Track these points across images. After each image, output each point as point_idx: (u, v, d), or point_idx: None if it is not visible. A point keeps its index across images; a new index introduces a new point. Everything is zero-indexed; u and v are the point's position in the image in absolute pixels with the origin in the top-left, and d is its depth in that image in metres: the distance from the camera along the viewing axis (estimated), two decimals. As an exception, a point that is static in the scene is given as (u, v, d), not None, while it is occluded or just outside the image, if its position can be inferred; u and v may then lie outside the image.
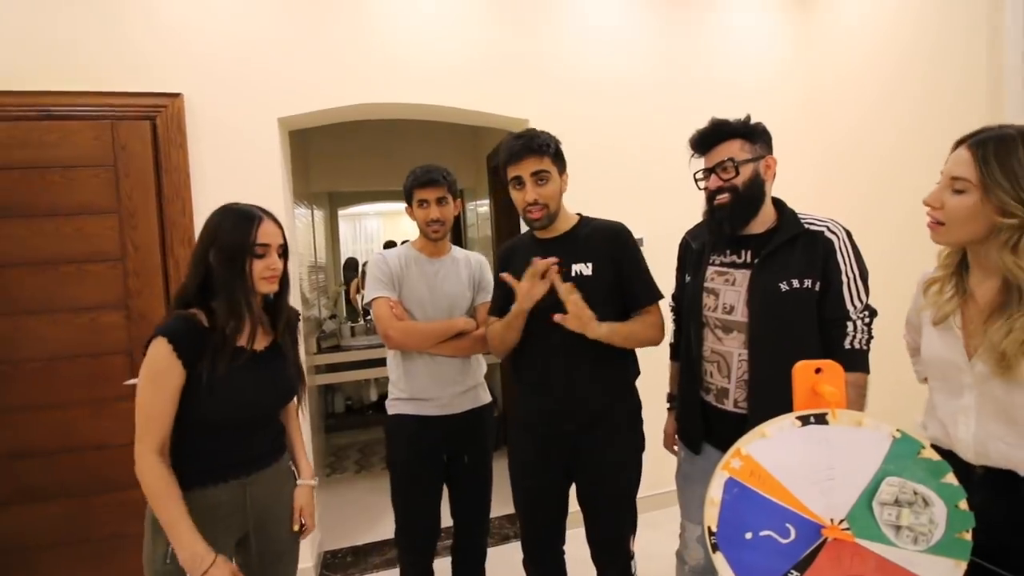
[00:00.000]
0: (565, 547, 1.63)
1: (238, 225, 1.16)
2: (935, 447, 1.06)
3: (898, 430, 0.75)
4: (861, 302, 1.23)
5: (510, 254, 1.58)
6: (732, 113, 1.34)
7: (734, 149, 1.28)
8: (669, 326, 1.55)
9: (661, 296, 1.51)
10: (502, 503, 2.88)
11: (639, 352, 1.55)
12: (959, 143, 0.97)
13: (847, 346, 1.21)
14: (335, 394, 4.30)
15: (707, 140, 1.32)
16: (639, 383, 1.59)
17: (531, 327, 1.46)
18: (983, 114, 1.98)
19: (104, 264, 1.98)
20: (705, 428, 1.37)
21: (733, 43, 2.80)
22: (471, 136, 4.32)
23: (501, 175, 1.50)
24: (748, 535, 0.78)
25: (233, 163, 2.14)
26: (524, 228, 1.62)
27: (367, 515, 2.83)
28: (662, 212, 2.49)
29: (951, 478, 0.75)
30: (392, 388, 1.78)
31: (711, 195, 1.32)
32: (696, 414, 1.38)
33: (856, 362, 1.20)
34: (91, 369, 1.97)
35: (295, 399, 1.34)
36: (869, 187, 2.54)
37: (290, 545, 1.32)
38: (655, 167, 2.63)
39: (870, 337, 1.23)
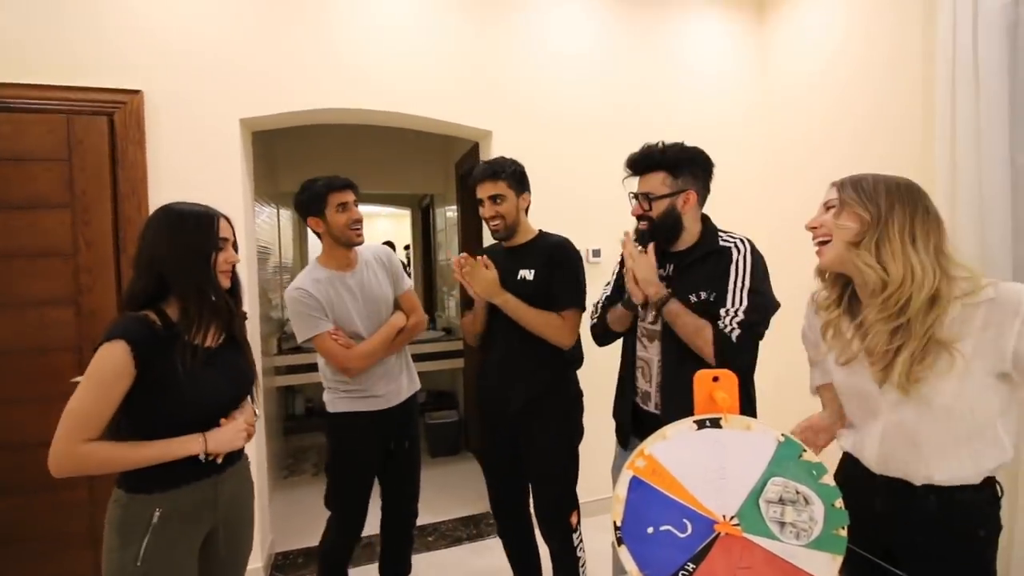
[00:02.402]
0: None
1: (201, 224, 1.19)
2: (848, 454, 1.16)
3: (783, 434, 0.83)
4: (737, 304, 1.30)
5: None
6: (686, 132, 1.44)
7: (655, 183, 1.40)
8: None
9: (578, 305, 1.70)
10: (457, 506, 2.94)
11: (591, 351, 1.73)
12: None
13: (715, 327, 1.29)
14: (296, 396, 4.27)
15: (636, 166, 1.43)
16: (592, 379, 1.80)
17: (491, 320, 1.75)
18: (917, 139, 2.13)
19: (55, 259, 1.96)
20: (635, 426, 1.48)
21: (693, 66, 2.91)
22: (441, 143, 4.35)
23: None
24: (650, 530, 0.84)
25: (193, 162, 2.14)
26: (487, 233, 1.83)
27: (321, 518, 2.83)
28: (619, 224, 2.57)
29: (828, 479, 0.82)
30: (335, 386, 1.81)
31: (635, 217, 1.44)
32: (627, 414, 1.49)
33: (719, 343, 1.27)
34: (38, 365, 1.94)
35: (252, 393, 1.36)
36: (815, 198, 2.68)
37: (249, 542, 1.37)
38: (613, 179, 2.71)
39: (740, 333, 1.28)
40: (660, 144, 1.42)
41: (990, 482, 1.03)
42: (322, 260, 1.82)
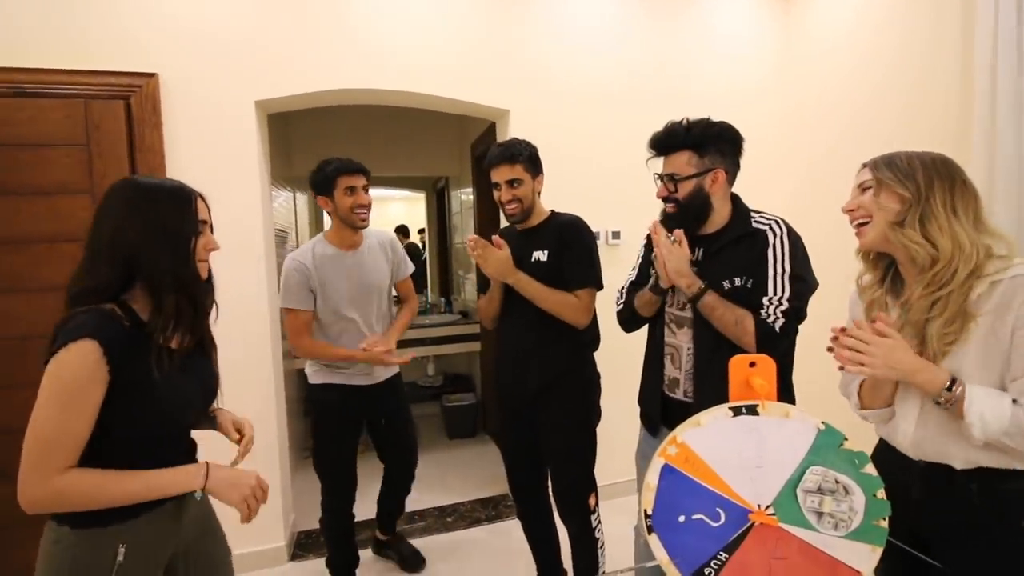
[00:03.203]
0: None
1: (178, 201, 0.99)
2: (883, 441, 1.13)
3: (823, 422, 0.79)
4: (780, 292, 1.25)
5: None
6: (709, 110, 1.38)
7: (680, 163, 1.34)
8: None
9: (592, 283, 1.68)
10: (475, 488, 2.96)
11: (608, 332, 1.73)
12: (862, 167, 1.11)
13: (758, 317, 1.24)
14: (315, 378, 4.31)
15: (660, 146, 1.37)
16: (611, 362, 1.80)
17: (507, 302, 1.75)
18: (954, 127, 2.03)
19: (76, 244, 1.93)
20: (663, 413, 1.44)
21: (716, 42, 2.81)
22: (456, 124, 4.30)
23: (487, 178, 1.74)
24: (681, 518, 0.82)
25: (209, 144, 2.12)
26: (503, 216, 1.80)
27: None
28: (640, 205, 2.52)
29: (870, 468, 0.79)
30: (315, 361, 2.00)
31: (661, 199, 1.39)
32: (656, 400, 1.45)
33: (762, 334, 1.22)
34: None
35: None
36: (841, 173, 2.59)
37: (224, 556, 1.18)
38: (633, 160, 2.64)
39: (784, 323, 1.23)
40: (684, 121, 1.35)
41: None
42: (328, 236, 1.95)
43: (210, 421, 1.18)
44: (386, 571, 2.31)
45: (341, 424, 2.00)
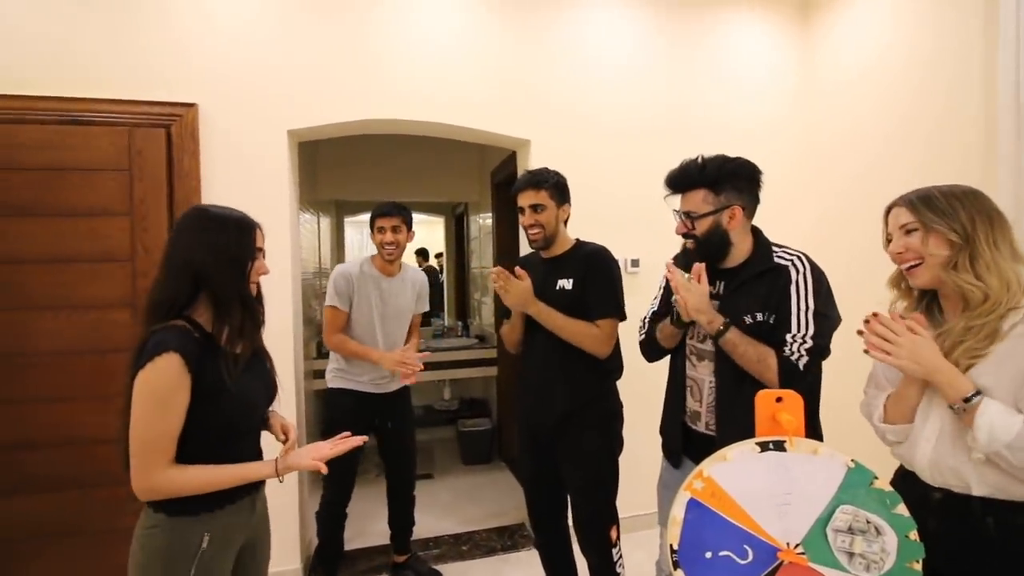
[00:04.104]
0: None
1: (242, 232, 1.15)
2: (900, 474, 1.12)
3: (852, 460, 0.79)
4: (804, 330, 1.24)
5: (522, 266, 1.76)
6: (730, 142, 1.39)
7: (696, 201, 1.35)
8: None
9: (615, 314, 1.68)
10: (491, 516, 2.93)
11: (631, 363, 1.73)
12: (890, 207, 1.13)
13: (781, 355, 1.23)
14: (333, 399, 4.34)
15: (676, 184, 1.39)
16: (633, 392, 1.81)
17: (526, 333, 1.78)
18: (979, 160, 2.03)
19: (115, 264, 2.05)
20: (684, 445, 1.43)
21: (736, 74, 2.85)
22: (477, 152, 4.39)
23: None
24: (708, 554, 0.82)
25: (243, 171, 2.21)
26: (523, 241, 1.88)
27: (357, 519, 2.86)
28: (659, 233, 2.53)
29: (902, 509, 0.78)
30: (335, 367, 2.28)
31: (680, 235, 1.40)
32: (677, 431, 1.45)
33: (785, 372, 1.21)
34: (97, 365, 2.02)
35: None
36: (870, 237, 2.58)
37: (268, 556, 1.33)
38: (652, 190, 2.67)
39: (808, 360, 1.22)
40: (699, 159, 1.36)
41: None
42: (373, 260, 2.30)
43: (263, 422, 1.31)
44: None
45: (351, 425, 2.05)
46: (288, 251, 2.29)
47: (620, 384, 1.81)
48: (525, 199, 1.73)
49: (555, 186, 1.74)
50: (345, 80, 2.33)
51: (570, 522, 1.83)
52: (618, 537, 1.74)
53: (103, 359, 2.03)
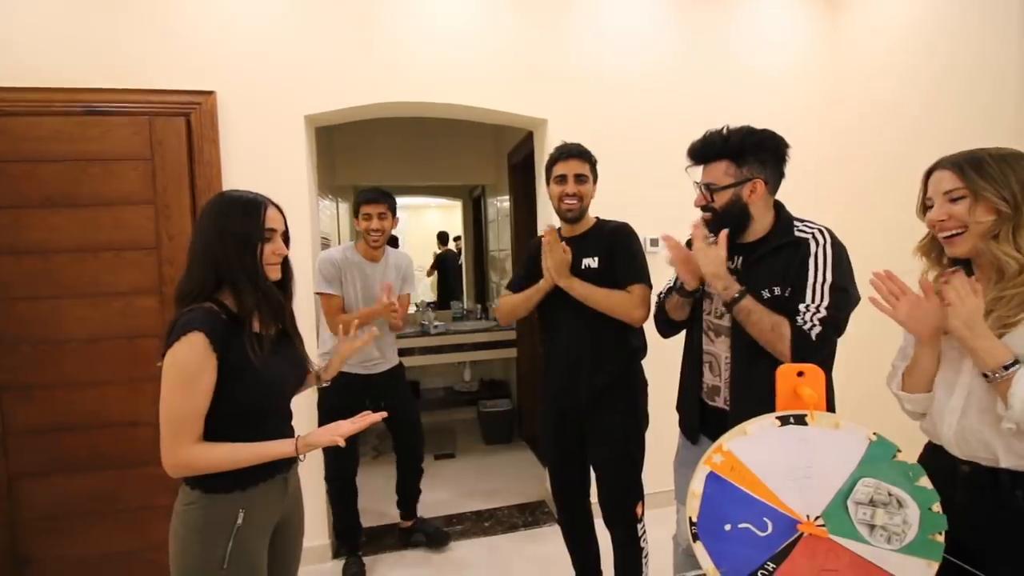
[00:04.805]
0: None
1: (248, 212, 1.14)
2: (928, 448, 1.10)
3: (874, 433, 0.78)
4: (819, 300, 1.21)
5: (541, 244, 1.75)
6: (749, 114, 1.35)
7: (718, 173, 1.32)
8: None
9: (644, 280, 1.67)
10: (513, 493, 2.98)
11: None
12: (933, 169, 1.07)
13: (794, 324, 1.21)
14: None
15: (698, 155, 1.36)
16: (651, 371, 1.80)
17: (548, 313, 1.78)
18: (1008, 137, 1.95)
19: (140, 252, 2.10)
20: (702, 421, 1.43)
21: (761, 50, 2.77)
22: (493, 134, 4.36)
23: (547, 171, 1.79)
24: (727, 527, 0.82)
25: (262, 158, 2.23)
26: (540, 223, 1.83)
27: (381, 499, 2.94)
28: (677, 213, 2.50)
29: (925, 481, 0.77)
30: (323, 352, 2.32)
31: (699, 207, 1.38)
32: (695, 408, 1.45)
33: (797, 341, 1.18)
34: (127, 350, 2.09)
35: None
36: (902, 214, 2.51)
37: (301, 533, 1.36)
38: (671, 169, 2.63)
39: (821, 331, 1.19)
40: (724, 129, 1.32)
41: None
42: (357, 247, 2.35)
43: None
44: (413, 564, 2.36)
45: (340, 405, 2.10)
46: (308, 237, 2.32)
47: (643, 362, 1.81)
48: (570, 167, 1.71)
49: (595, 163, 1.77)
50: (360, 64, 2.33)
51: (594, 498, 1.85)
52: (643, 513, 1.76)
53: (132, 344, 2.09)
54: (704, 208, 1.36)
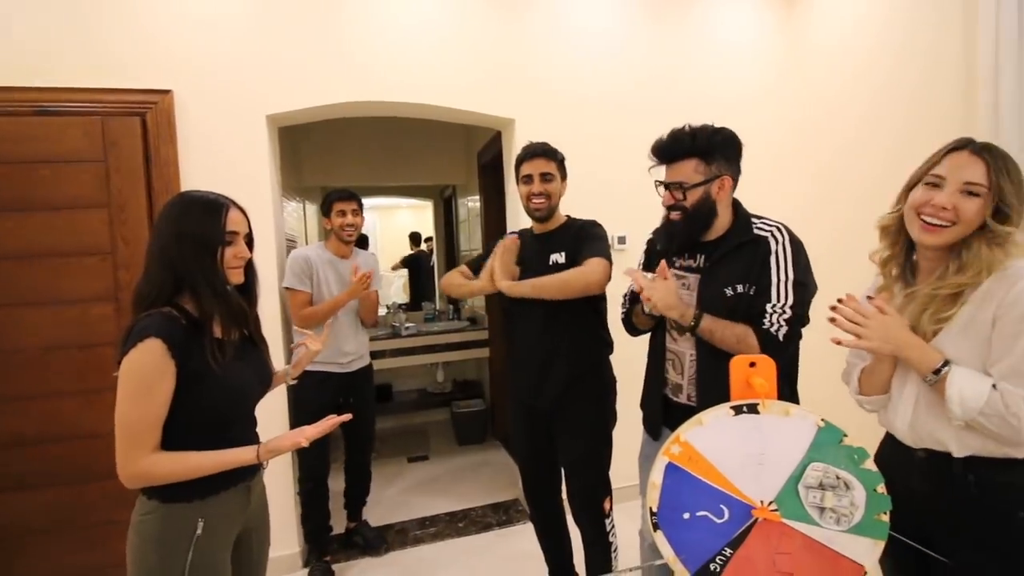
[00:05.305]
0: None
1: (207, 214, 1.10)
2: (887, 437, 1.15)
3: (822, 419, 0.81)
4: (784, 300, 1.25)
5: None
6: (714, 116, 1.39)
7: (687, 171, 1.33)
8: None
9: (602, 254, 1.64)
10: (486, 493, 2.98)
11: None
12: (953, 149, 1.02)
13: (761, 327, 1.25)
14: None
15: (665, 153, 1.36)
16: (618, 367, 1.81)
17: (516, 312, 1.78)
18: (958, 128, 2.04)
19: (95, 257, 2.03)
20: (665, 417, 1.46)
21: (719, 48, 2.84)
22: (463, 133, 4.35)
23: (515, 171, 1.81)
24: (686, 515, 0.84)
25: (222, 159, 2.18)
26: (510, 222, 1.85)
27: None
28: (645, 210, 2.53)
29: (870, 464, 0.81)
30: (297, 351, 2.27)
31: (667, 207, 1.39)
32: (658, 404, 1.47)
33: (766, 344, 1.22)
34: (82, 360, 2.02)
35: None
36: (856, 204, 2.59)
37: (267, 543, 1.34)
38: (638, 166, 2.66)
39: (788, 330, 1.24)
40: (687, 128, 1.34)
41: None
42: (327, 245, 2.40)
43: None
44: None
45: (316, 405, 2.18)
46: (272, 239, 2.28)
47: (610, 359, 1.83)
48: (535, 167, 1.72)
49: (562, 161, 1.78)
50: (324, 63, 2.29)
51: (564, 495, 1.86)
52: (611, 508, 1.78)
53: (88, 353, 2.02)
54: (673, 207, 1.37)
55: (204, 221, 1.09)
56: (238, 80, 2.19)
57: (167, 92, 2.09)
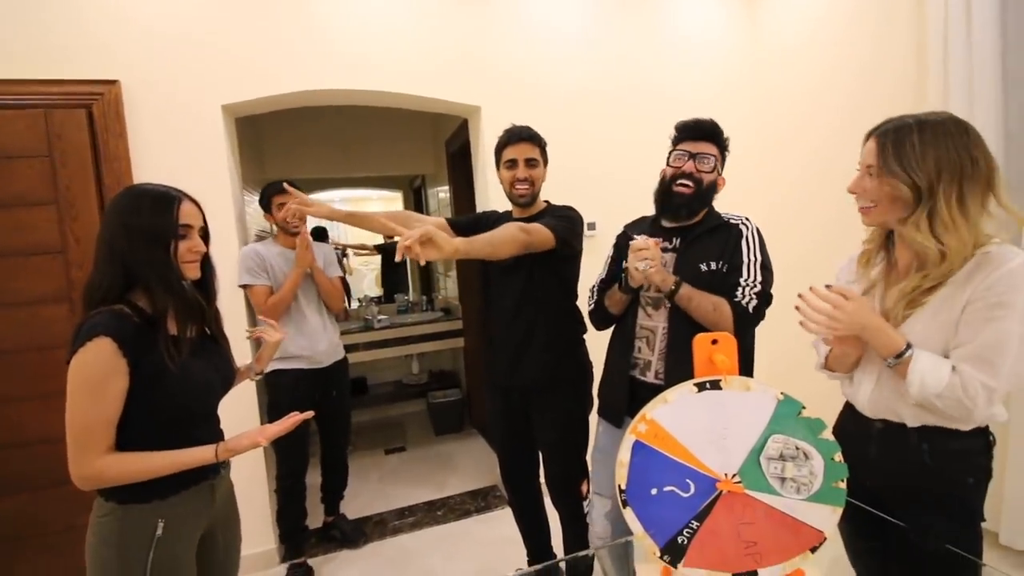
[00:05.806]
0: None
1: (158, 207, 1.06)
2: (845, 408, 1.19)
3: (782, 393, 0.83)
4: (754, 276, 1.37)
5: (496, 222, 1.71)
6: (680, 108, 1.43)
7: (712, 152, 1.44)
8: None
9: (551, 228, 1.54)
10: (464, 481, 2.99)
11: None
12: (869, 135, 1.08)
13: (733, 299, 1.36)
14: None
15: (695, 131, 1.44)
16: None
17: (491, 293, 1.77)
18: (910, 106, 2.11)
19: (45, 256, 1.94)
20: (629, 401, 1.48)
21: (684, 42, 2.85)
22: (431, 123, 4.30)
23: (496, 155, 1.75)
24: (654, 491, 0.86)
25: (177, 151, 2.10)
26: (480, 210, 1.80)
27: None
28: (614, 198, 2.56)
29: (827, 434, 0.83)
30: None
31: (675, 176, 1.42)
32: (623, 388, 1.49)
33: (739, 315, 1.34)
34: (36, 363, 1.94)
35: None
36: (802, 182, 2.66)
37: (238, 541, 1.32)
38: (604, 154, 2.68)
39: (757, 304, 1.35)
40: (708, 120, 1.45)
41: (982, 431, 1.05)
42: (276, 239, 2.34)
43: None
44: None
45: (293, 403, 2.06)
46: (234, 233, 2.22)
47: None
48: (520, 152, 1.67)
49: (545, 146, 1.75)
50: (282, 50, 2.22)
51: (542, 479, 1.88)
52: (588, 491, 1.80)
53: (42, 356, 1.94)
54: (688, 177, 1.41)
55: (155, 214, 1.06)
56: (190, 69, 2.11)
57: (114, 82, 2.00)
